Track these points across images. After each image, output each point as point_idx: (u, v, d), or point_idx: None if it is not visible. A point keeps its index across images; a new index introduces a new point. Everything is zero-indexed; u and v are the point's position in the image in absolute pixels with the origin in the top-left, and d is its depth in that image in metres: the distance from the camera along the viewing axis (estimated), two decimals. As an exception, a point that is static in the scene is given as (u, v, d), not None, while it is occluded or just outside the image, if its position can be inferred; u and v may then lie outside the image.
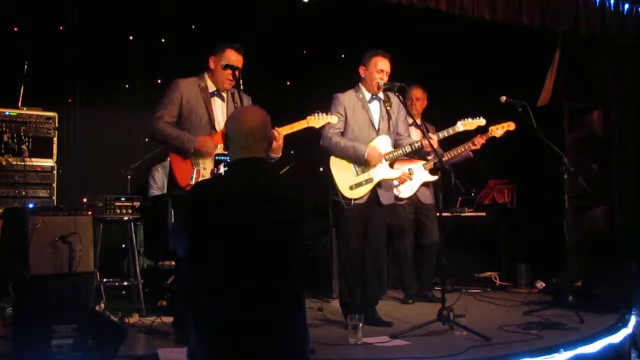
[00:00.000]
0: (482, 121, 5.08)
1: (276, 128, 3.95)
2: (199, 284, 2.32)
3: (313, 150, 4.67)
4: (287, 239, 2.38)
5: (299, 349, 2.35)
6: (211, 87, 4.10)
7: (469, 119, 5.06)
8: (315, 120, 4.27)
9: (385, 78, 4.54)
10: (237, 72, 3.95)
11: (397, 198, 5.38)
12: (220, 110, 4.10)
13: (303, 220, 2.47)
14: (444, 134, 5.08)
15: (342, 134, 4.56)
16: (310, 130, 4.30)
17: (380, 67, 4.55)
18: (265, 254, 2.31)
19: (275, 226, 2.35)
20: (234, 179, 2.47)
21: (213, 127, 4.03)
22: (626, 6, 6.43)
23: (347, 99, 4.60)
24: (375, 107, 4.63)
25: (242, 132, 2.47)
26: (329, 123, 4.37)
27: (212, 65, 4.09)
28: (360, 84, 4.66)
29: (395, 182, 4.88)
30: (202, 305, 2.30)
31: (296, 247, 2.42)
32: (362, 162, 4.48)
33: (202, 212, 2.31)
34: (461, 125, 5.04)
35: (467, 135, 5.35)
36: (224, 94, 4.14)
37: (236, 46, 4.07)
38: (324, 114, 4.32)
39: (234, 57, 4.03)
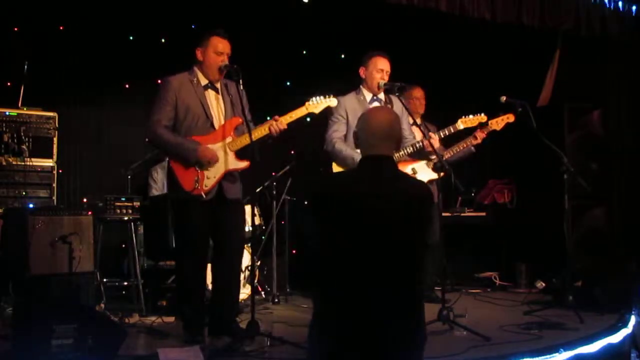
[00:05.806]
0: (483, 117, 5.09)
1: (276, 117, 3.95)
2: (328, 265, 2.47)
3: (314, 150, 4.67)
4: (412, 233, 2.48)
5: (417, 343, 2.49)
6: (203, 81, 3.99)
7: (470, 116, 5.06)
8: (314, 106, 4.14)
9: (386, 78, 4.55)
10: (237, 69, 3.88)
11: None
12: (215, 104, 3.99)
13: (427, 215, 2.61)
14: (444, 132, 5.07)
15: (345, 136, 4.56)
16: (311, 129, 4.28)
17: (380, 66, 4.56)
18: (390, 248, 2.42)
19: (399, 220, 2.46)
20: (359, 175, 2.65)
21: (212, 124, 3.94)
22: (626, 6, 6.43)
23: (348, 101, 4.59)
24: None
25: (367, 131, 2.63)
26: (328, 106, 4.24)
27: (199, 57, 3.98)
28: (361, 86, 4.66)
29: None
30: (330, 287, 2.44)
31: (421, 241, 2.57)
32: None
33: (331, 205, 2.48)
34: (461, 124, 5.05)
35: (468, 133, 5.35)
36: (217, 85, 4.03)
37: (220, 32, 3.98)
38: (322, 98, 4.17)
39: (220, 44, 3.95)
